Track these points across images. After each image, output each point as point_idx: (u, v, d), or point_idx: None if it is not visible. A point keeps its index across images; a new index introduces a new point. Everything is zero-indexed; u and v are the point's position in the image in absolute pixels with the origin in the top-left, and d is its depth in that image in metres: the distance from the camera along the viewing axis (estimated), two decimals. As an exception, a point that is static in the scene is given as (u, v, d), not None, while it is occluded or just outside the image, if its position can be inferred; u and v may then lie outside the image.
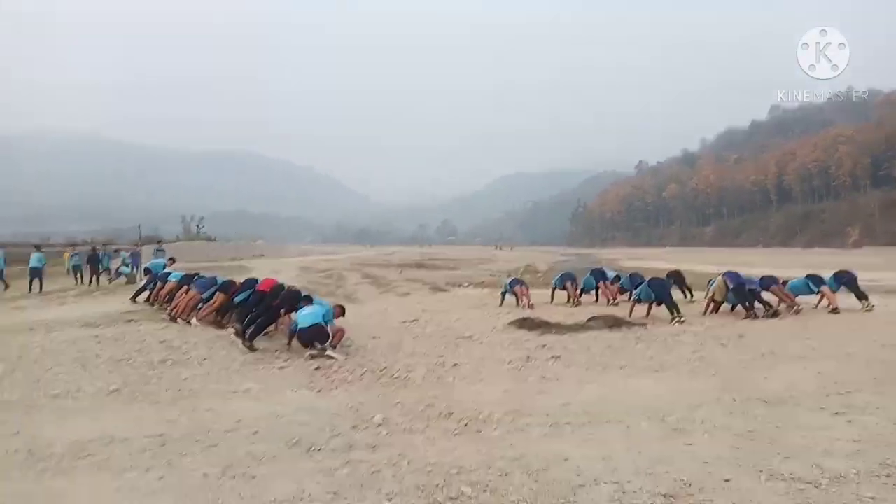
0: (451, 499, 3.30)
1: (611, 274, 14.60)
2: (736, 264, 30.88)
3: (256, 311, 8.71)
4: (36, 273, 19.03)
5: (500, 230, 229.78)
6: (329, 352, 7.49)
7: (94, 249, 23.57)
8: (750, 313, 10.49)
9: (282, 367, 6.97)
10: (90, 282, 21.79)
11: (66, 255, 25.62)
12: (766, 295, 11.08)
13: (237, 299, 9.83)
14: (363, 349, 8.09)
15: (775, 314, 10.58)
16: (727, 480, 3.47)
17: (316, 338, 7.63)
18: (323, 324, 7.82)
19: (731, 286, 10.89)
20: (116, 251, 26.86)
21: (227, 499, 3.34)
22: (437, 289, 18.94)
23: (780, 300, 11.14)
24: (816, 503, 3.16)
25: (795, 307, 10.94)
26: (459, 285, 20.59)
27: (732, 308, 11.21)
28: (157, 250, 23.75)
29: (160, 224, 75.26)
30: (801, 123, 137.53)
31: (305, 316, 7.86)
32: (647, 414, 4.92)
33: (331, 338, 7.71)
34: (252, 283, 10.15)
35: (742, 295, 10.78)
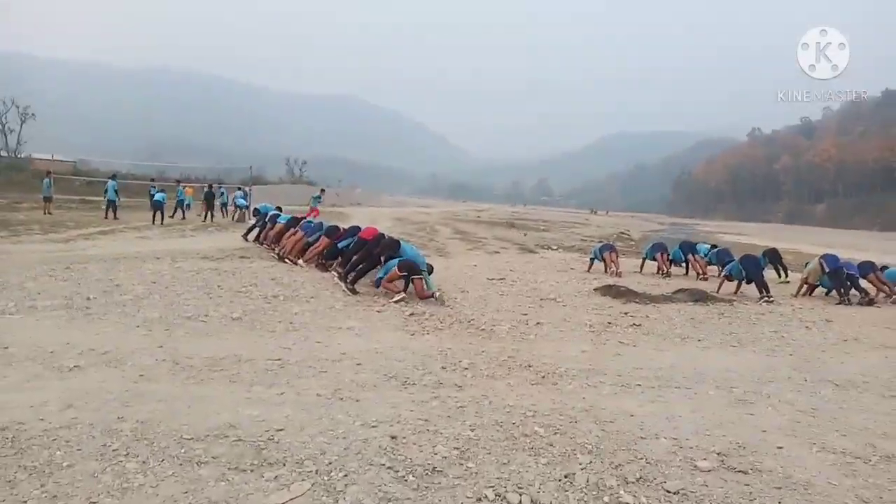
0: (525, 436, 3.77)
1: (703, 248, 14.45)
2: (842, 247, 29.48)
3: (358, 257, 9.45)
4: (158, 206, 20.90)
5: (598, 193, 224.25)
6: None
7: (209, 187, 25.41)
8: (843, 299, 10.27)
9: (379, 311, 7.63)
10: (205, 217, 23.63)
11: (189, 191, 27.71)
12: (863, 283, 10.78)
13: (341, 245, 10.62)
14: (452, 301, 8.65)
15: (870, 302, 10.32)
16: (780, 448, 3.75)
17: (415, 272, 8.67)
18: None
19: (827, 269, 10.65)
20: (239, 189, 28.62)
21: (337, 415, 3.96)
22: (525, 250, 19.29)
23: (878, 289, 10.81)
24: (862, 476, 3.40)
25: (894, 297, 10.59)
26: (549, 248, 20.83)
27: (827, 293, 10.99)
28: (242, 196, 25.56)
29: (266, 165, 78.58)
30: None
31: (416, 255, 9.20)
32: (715, 383, 5.20)
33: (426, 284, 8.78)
34: (355, 230, 10.90)
35: (838, 279, 10.55)
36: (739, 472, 3.38)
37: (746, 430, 4.08)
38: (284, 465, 3.20)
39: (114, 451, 3.26)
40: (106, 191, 22.37)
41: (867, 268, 11.00)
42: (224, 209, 26.87)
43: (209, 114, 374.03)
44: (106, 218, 21.14)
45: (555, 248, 20.98)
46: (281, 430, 3.66)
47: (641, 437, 3.86)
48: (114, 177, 23.53)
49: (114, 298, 7.28)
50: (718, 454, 3.63)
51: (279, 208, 16.23)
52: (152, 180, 28.67)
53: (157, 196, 21.29)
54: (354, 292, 8.66)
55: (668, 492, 3.10)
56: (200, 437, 3.49)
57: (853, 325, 8.40)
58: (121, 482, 2.93)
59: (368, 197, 74.67)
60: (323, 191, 30.34)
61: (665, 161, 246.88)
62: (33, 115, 55.21)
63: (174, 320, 6.47)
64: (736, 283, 11.10)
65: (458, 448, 3.53)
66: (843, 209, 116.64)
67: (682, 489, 3.12)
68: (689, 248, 14.36)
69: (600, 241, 17.68)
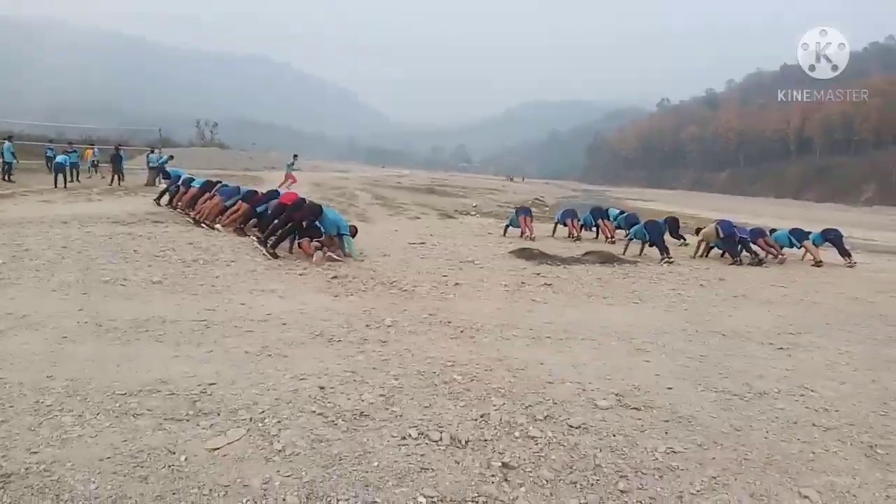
0: (445, 383, 4.11)
1: (613, 213, 15.27)
2: (740, 213, 31.64)
3: (278, 221, 9.47)
4: (60, 168, 19.82)
5: (516, 160, 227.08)
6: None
7: (116, 148, 24.24)
8: (736, 260, 11.21)
9: (301, 274, 7.77)
10: (111, 181, 22.60)
11: (89, 152, 26.34)
12: (754, 246, 11.81)
13: (259, 209, 10.58)
14: (375, 264, 8.88)
15: (760, 262, 11.32)
16: (669, 388, 4.26)
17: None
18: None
19: (721, 234, 11.56)
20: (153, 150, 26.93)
21: (266, 369, 4.15)
22: (445, 215, 19.65)
23: (767, 251, 11.87)
24: (737, 410, 3.94)
25: (781, 257, 11.68)
26: (467, 213, 21.29)
27: (722, 254, 11.93)
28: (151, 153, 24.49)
29: (176, 127, 75.15)
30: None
31: (339, 218, 9.58)
32: (617, 335, 5.70)
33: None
34: (274, 194, 10.86)
35: (731, 243, 11.47)
36: (633, 408, 3.84)
37: (642, 374, 4.57)
38: (219, 414, 3.39)
39: (48, 406, 3.35)
40: (1, 153, 20.99)
41: (757, 232, 12.10)
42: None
43: (109, 73, 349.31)
44: (4, 181, 19.88)
45: (473, 213, 21.47)
46: (213, 384, 3.83)
47: (549, 382, 4.27)
48: (9, 138, 22.09)
49: (25, 263, 7.07)
50: (616, 395, 4.08)
51: (171, 157, 15.83)
52: (50, 141, 27.04)
53: (59, 158, 20.16)
54: (275, 256, 8.71)
55: (571, 426, 3.51)
56: (133, 392, 3.61)
57: (743, 283, 9.24)
58: (59, 433, 3.05)
59: (283, 161, 72.79)
60: (296, 156, 29.06)
61: (578, 130, 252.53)
62: None
63: (92, 284, 6.40)
64: (640, 245, 11.87)
65: (383, 395, 3.82)
66: (743, 177, 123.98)
67: (584, 424, 3.54)
68: (599, 213, 15.13)
69: (516, 207, 18.18)
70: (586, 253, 11.12)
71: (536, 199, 35.81)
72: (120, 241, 9.02)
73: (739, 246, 11.55)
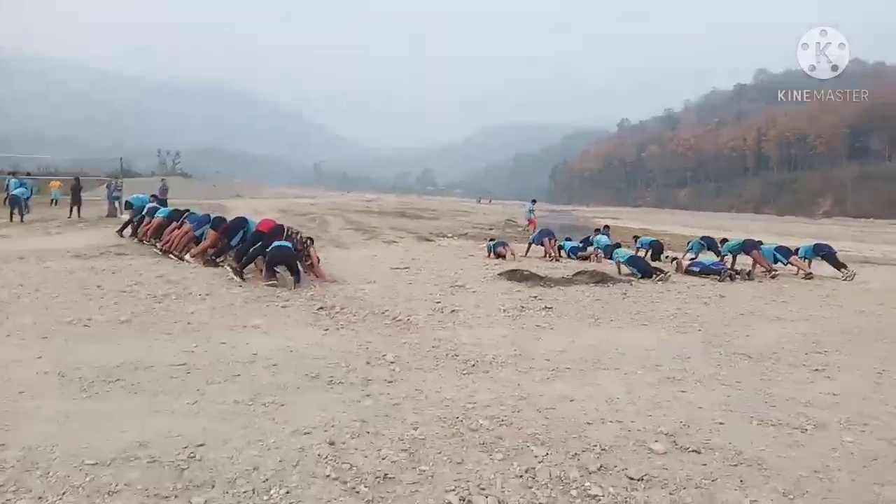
0: (472, 430, 3.56)
1: (605, 241, 15.04)
2: (707, 228, 31.79)
3: (255, 249, 8.90)
4: (16, 202, 18.75)
5: (481, 183, 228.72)
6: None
7: (76, 180, 23.20)
8: (724, 277, 11.00)
9: (284, 306, 7.13)
10: (70, 212, 21.55)
11: (55, 185, 25.21)
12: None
13: (233, 241, 9.93)
14: (361, 292, 8.30)
15: (749, 277, 11.15)
16: (721, 424, 3.79)
17: (287, 261, 8.63)
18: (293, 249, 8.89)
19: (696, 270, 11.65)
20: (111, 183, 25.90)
21: (263, 423, 3.56)
22: (421, 238, 19.10)
23: (756, 264, 11.68)
24: (806, 447, 3.48)
25: (773, 272, 11.43)
26: (443, 236, 20.79)
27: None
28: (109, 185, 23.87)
29: (134, 158, 73.61)
30: (786, 88, 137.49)
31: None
32: (640, 363, 5.24)
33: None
34: (242, 222, 10.20)
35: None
36: (692, 451, 3.35)
37: (684, 408, 4.10)
38: (213, 486, 2.80)
39: (-1, 487, 2.71)
40: None
41: (750, 245, 11.93)
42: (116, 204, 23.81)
43: (66, 104, 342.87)
44: (11, 220, 18.68)
45: (449, 235, 20.96)
46: (201, 444, 3.22)
47: (588, 423, 3.77)
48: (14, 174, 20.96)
49: (-27, 305, 6.31)
50: (667, 435, 3.60)
51: (154, 197, 15.08)
52: (11, 173, 25.80)
53: (17, 190, 19.08)
54: (241, 277, 8.52)
55: (632, 479, 3.00)
56: (106, 461, 2.98)
57: (744, 300, 8.91)
58: (14, 527, 2.42)
59: (248, 188, 71.77)
60: (534, 201, 28.64)
61: (542, 152, 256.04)
62: None
63: (52, 326, 5.68)
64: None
65: (405, 450, 3.26)
66: (703, 193, 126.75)
67: (646, 475, 3.03)
68: (547, 233, 15.05)
69: (492, 239, 17.43)
70: (577, 273, 10.70)
71: (508, 219, 35.44)
72: (82, 277, 8.28)
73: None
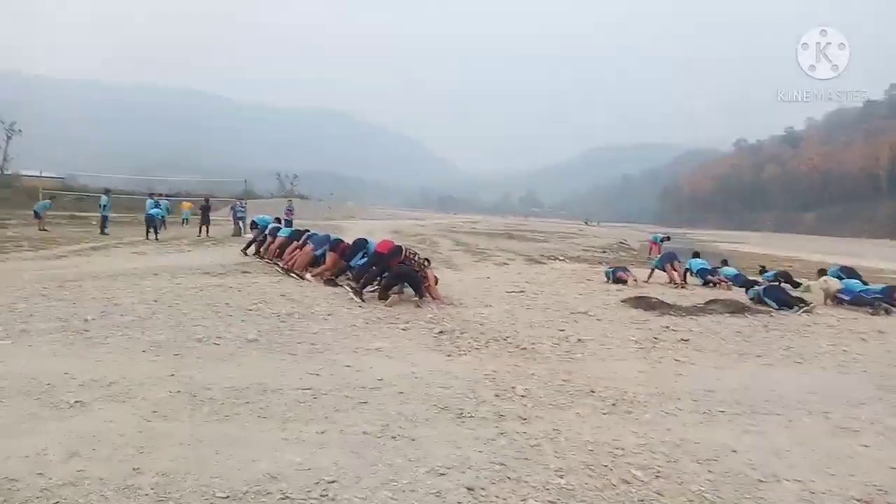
0: (625, 482, 3.15)
1: (728, 272, 14.07)
2: (839, 254, 29.18)
3: (375, 270, 8.92)
4: (151, 221, 20.17)
5: (587, 204, 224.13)
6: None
7: (206, 200, 24.67)
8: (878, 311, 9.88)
9: (405, 329, 6.98)
10: (199, 231, 22.88)
11: (187, 205, 27.05)
12: None
13: (353, 262, 10.01)
14: (479, 316, 8.03)
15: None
16: (930, 492, 3.16)
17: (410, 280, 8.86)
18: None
19: (846, 299, 10.45)
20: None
21: (394, 459, 3.32)
22: (532, 260, 18.71)
23: None
24: None
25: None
26: (555, 258, 20.25)
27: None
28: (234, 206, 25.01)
29: (254, 179, 77.97)
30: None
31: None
32: (804, 408, 4.61)
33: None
34: (362, 243, 10.28)
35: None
36: (903, 526, 2.78)
37: (871, 466, 3.49)
38: (350, 531, 2.56)
39: (135, 518, 2.60)
40: (103, 206, 21.69)
41: (889, 291, 10.68)
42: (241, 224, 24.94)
43: (193, 131, 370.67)
44: (100, 234, 20.43)
45: (561, 258, 20.40)
46: (333, 481, 3.02)
47: (760, 481, 3.25)
48: (107, 192, 22.84)
49: (114, 320, 6.55)
50: (859, 501, 3.03)
51: (278, 220, 15.60)
52: (151, 195, 27.92)
53: (152, 210, 20.58)
54: (362, 299, 8.50)
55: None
56: (238, 496, 2.83)
57: (909, 335, 7.88)
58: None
59: (360, 210, 74.21)
60: (668, 238, 26.16)
61: (649, 172, 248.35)
62: (20, 130, 54.01)
63: (184, 343, 5.78)
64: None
65: (552, 502, 2.90)
66: (831, 217, 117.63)
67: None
68: (669, 257, 14.10)
69: (608, 264, 16.78)
70: (708, 301, 9.91)
71: (621, 242, 34.35)
72: (211, 294, 8.55)
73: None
